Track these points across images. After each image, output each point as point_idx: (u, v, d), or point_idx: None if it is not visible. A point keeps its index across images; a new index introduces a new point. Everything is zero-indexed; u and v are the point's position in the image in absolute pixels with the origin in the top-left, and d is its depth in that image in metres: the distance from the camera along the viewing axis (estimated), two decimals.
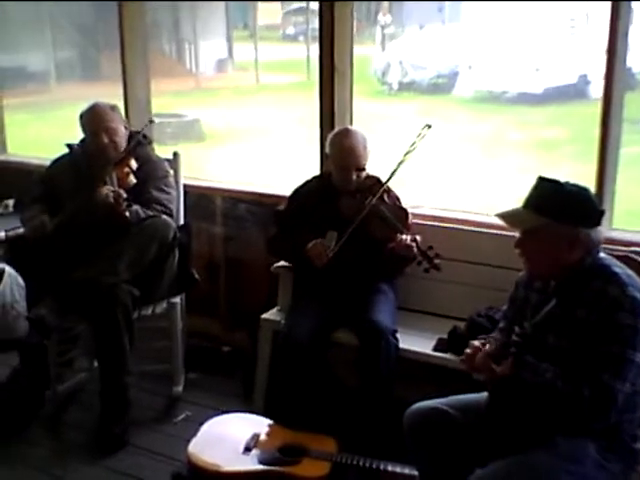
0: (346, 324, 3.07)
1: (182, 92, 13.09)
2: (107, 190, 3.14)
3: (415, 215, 3.25)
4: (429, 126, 3.06)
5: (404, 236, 2.87)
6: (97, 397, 3.24)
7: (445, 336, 2.98)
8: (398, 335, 2.94)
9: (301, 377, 2.95)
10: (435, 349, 2.97)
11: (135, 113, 4.06)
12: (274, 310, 3.40)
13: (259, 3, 18.09)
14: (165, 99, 10.64)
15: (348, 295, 3.10)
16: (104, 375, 3.21)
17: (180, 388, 3.53)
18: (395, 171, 3.04)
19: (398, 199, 3.17)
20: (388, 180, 3.06)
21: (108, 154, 3.32)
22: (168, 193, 3.39)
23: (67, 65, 13.54)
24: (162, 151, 3.65)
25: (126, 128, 3.45)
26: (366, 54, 12.78)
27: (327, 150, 3.20)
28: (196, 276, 3.51)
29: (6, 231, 4.04)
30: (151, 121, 3.60)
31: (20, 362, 3.56)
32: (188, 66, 16.40)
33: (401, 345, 2.93)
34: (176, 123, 10.57)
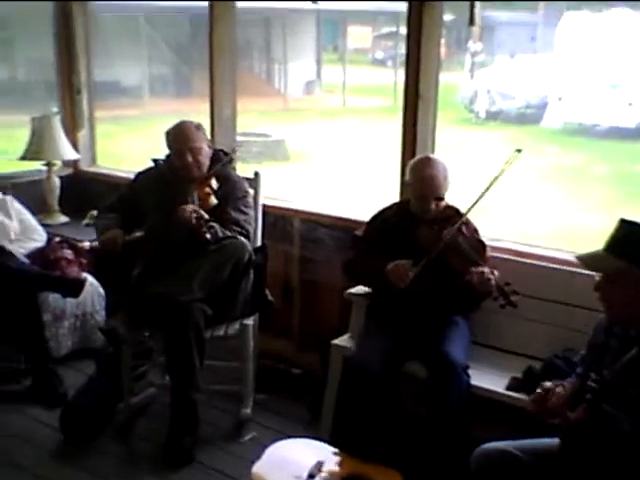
0: (417, 356, 3.02)
1: (269, 112, 13.28)
2: (189, 210, 3.19)
3: (493, 248, 3.18)
4: (519, 150, 2.97)
5: (481, 269, 2.81)
6: (167, 411, 3.27)
7: (519, 375, 2.89)
8: (470, 371, 2.88)
9: (370, 407, 2.91)
10: (508, 388, 2.89)
11: (221, 131, 4.12)
12: (346, 336, 3.37)
13: (350, 26, 18.24)
14: (252, 118, 10.81)
15: (421, 326, 3.05)
16: (175, 390, 3.24)
17: (249, 409, 3.53)
18: (476, 202, 2.98)
19: (476, 231, 3.11)
20: (468, 211, 3.00)
21: (191, 173, 3.37)
22: (246, 214, 3.42)
23: (160, 81, 13.93)
24: (246, 169, 3.69)
25: (209, 147, 3.49)
26: (454, 81, 12.71)
27: (407, 177, 3.17)
28: (270, 298, 3.52)
29: (90, 241, 4.15)
30: (234, 150, 3.65)
31: (96, 371, 3.64)
32: (277, 86, 16.64)
33: (472, 381, 2.86)
34: (262, 142, 10.73)
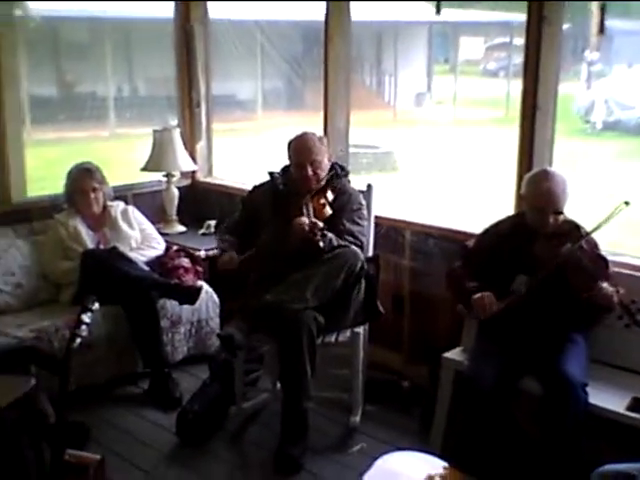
0: (532, 372, 2.94)
1: (379, 123, 13.31)
2: (303, 220, 3.23)
3: (614, 264, 3.07)
4: (627, 203, 2.87)
5: (604, 285, 2.72)
6: (278, 418, 3.32)
7: None
8: (588, 389, 2.78)
9: (482, 423, 2.86)
10: (629, 408, 2.77)
11: (334, 143, 4.16)
12: (457, 349, 3.33)
13: (462, 37, 18.08)
14: (362, 130, 10.87)
15: (537, 342, 2.97)
16: (286, 397, 3.28)
17: (357, 418, 3.53)
18: (598, 228, 2.89)
19: (597, 246, 3.01)
20: (591, 232, 2.91)
21: (309, 185, 3.41)
22: (361, 225, 3.43)
23: (273, 94, 14.19)
24: (356, 180, 3.71)
25: (329, 160, 3.53)
26: (569, 92, 12.38)
27: (523, 190, 3.11)
28: (381, 308, 3.52)
29: (206, 250, 4.27)
30: (344, 172, 3.67)
31: (210, 376, 3.73)
32: (386, 98, 16.66)
33: (591, 400, 2.77)
34: (371, 154, 10.77)
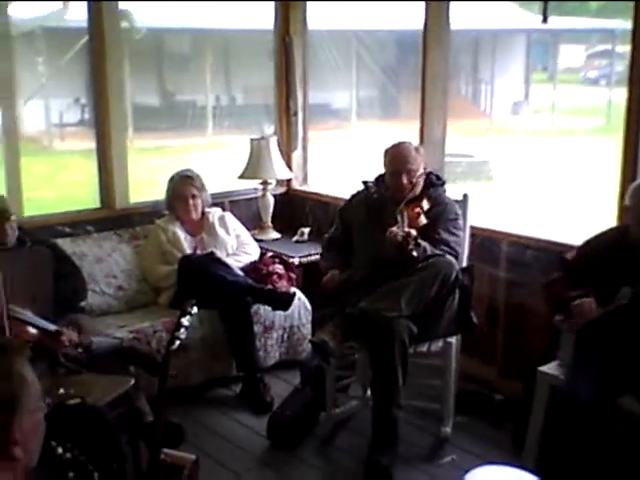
0: (634, 390, 2.84)
1: (474, 132, 13.15)
2: (397, 229, 3.23)
3: None
4: None
5: None
6: (368, 425, 3.31)
7: None
8: None
9: (579, 440, 2.77)
10: None
11: (430, 152, 4.13)
12: (553, 364, 3.24)
13: (561, 45, 17.70)
14: (457, 139, 10.77)
15: (638, 358, 2.87)
16: (376, 405, 3.28)
17: (448, 429, 3.50)
18: None
19: None
20: None
21: (404, 194, 3.41)
22: (456, 235, 3.41)
23: (368, 103, 14.23)
24: (450, 189, 3.68)
25: (425, 169, 3.52)
26: None
27: (627, 201, 3.01)
28: (475, 319, 3.47)
29: (300, 257, 4.32)
30: (440, 182, 3.65)
31: (301, 382, 3.77)
32: (482, 107, 16.44)
33: None
34: (466, 163, 10.66)
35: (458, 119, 11.00)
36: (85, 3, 4.16)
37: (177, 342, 2.51)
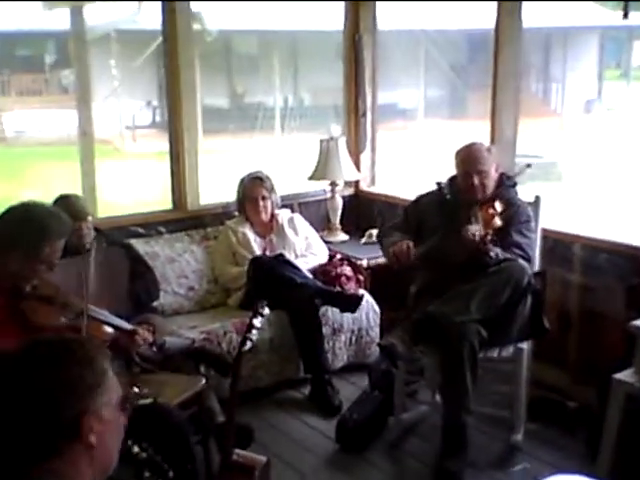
0: None
1: (544, 132, 12.91)
2: (472, 231, 3.19)
3: None
4: None
5: None
6: (437, 431, 3.29)
7: None
8: None
9: None
10: None
11: (500, 152, 4.07)
12: (629, 371, 3.15)
13: (635, 42, 17.24)
14: (527, 138, 10.59)
15: None
16: (446, 410, 3.25)
17: (519, 437, 3.43)
18: None
19: None
20: None
21: (475, 195, 3.37)
22: (528, 238, 3.35)
23: (435, 103, 14.11)
24: (519, 190, 3.61)
25: (496, 171, 3.47)
26: None
27: None
28: (547, 325, 3.41)
29: (368, 259, 4.31)
30: (528, 165, 3.58)
31: (369, 386, 3.76)
32: (553, 106, 16.14)
33: None
34: (535, 164, 10.47)
35: (528, 118, 10.81)
36: (159, 3, 4.22)
37: (249, 343, 2.53)
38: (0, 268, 2.35)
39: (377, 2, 4.91)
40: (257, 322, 2.57)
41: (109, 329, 2.68)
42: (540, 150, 11.06)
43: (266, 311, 2.63)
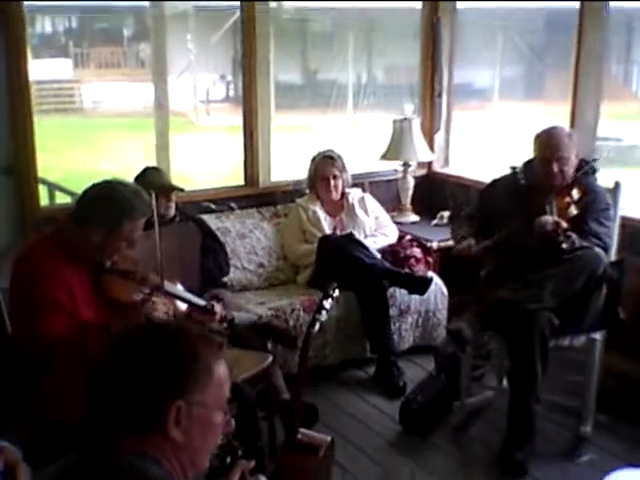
0: None
1: (624, 115, 12.51)
2: (547, 219, 3.12)
3: None
4: None
5: None
6: (502, 417, 3.25)
7: None
8: None
9: None
10: None
11: (581, 137, 3.96)
12: None
13: None
14: (605, 122, 10.29)
15: None
16: (513, 397, 3.20)
17: (588, 428, 3.36)
18: None
19: None
20: None
21: (554, 182, 3.29)
22: (607, 226, 3.25)
23: (511, 83, 13.80)
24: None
25: (576, 157, 3.37)
26: None
27: None
28: (622, 315, 3.31)
29: (439, 242, 4.26)
30: (594, 160, 3.47)
31: (435, 368, 3.73)
32: (634, 89, 15.63)
33: None
34: (613, 147, 10.16)
35: (607, 101, 10.49)
36: None
37: (318, 324, 2.54)
38: (83, 240, 2.41)
39: None
40: (327, 304, 2.57)
41: (182, 305, 2.72)
42: (619, 133, 10.71)
43: (336, 293, 2.63)
